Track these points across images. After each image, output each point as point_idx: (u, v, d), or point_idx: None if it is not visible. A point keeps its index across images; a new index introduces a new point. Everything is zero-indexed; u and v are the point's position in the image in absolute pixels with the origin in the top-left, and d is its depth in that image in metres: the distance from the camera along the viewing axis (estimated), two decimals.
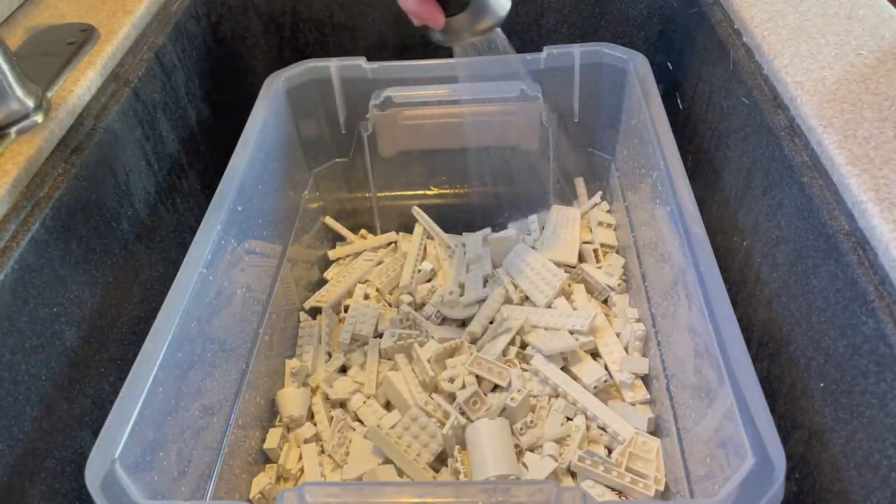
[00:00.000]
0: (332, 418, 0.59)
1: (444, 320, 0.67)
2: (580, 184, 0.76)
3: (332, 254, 0.76)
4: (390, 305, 0.70)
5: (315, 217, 0.75)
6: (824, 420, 0.42)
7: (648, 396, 0.58)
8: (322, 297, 0.70)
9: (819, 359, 0.43)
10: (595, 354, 0.61)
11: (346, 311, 0.69)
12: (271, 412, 0.61)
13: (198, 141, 0.71)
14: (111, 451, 0.38)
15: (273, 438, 0.57)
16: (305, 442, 0.58)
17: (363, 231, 0.79)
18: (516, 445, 0.55)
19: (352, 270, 0.73)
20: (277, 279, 0.64)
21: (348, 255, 0.76)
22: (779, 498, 0.34)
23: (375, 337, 0.66)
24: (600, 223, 0.72)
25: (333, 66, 0.68)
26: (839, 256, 0.41)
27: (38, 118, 0.50)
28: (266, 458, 0.58)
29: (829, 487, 0.41)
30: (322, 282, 0.74)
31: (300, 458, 0.58)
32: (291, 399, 0.60)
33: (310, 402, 0.61)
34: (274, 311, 0.62)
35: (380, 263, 0.74)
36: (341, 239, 0.78)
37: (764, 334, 0.51)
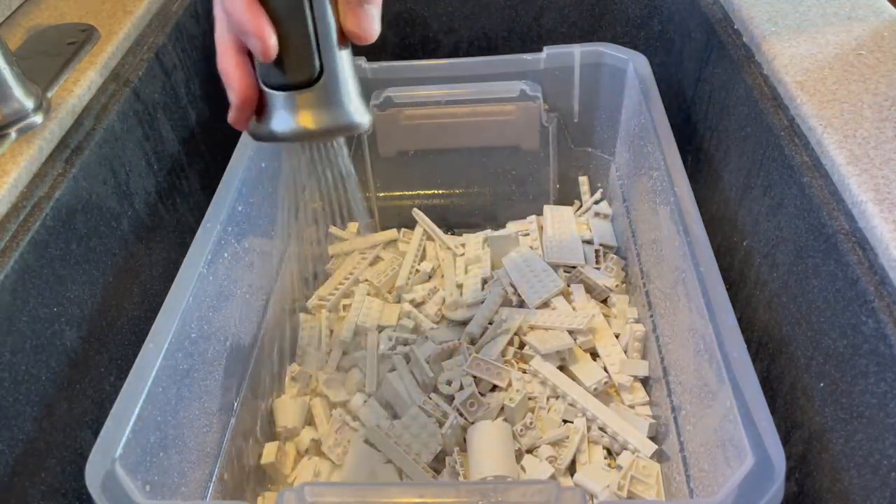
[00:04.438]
0: (330, 416, 0.59)
1: (443, 321, 0.67)
2: (584, 182, 0.76)
3: (331, 251, 0.76)
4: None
5: (315, 217, 0.75)
6: (824, 420, 0.42)
7: (647, 399, 0.57)
8: (322, 294, 0.70)
9: (819, 359, 0.43)
10: (594, 355, 0.61)
11: (345, 310, 0.69)
12: (271, 413, 0.61)
13: (198, 141, 0.71)
14: (111, 451, 0.38)
15: (270, 452, 0.56)
16: (305, 453, 0.58)
17: (358, 227, 0.79)
18: (516, 448, 0.55)
19: (352, 269, 0.73)
20: (277, 279, 0.64)
21: (348, 253, 0.76)
22: (779, 498, 0.34)
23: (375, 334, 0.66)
24: (597, 214, 0.72)
25: None
26: (839, 256, 0.41)
27: (38, 118, 0.50)
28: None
29: (829, 487, 0.41)
30: (322, 280, 0.74)
31: (295, 464, 0.58)
32: (289, 410, 0.60)
33: (307, 409, 0.61)
34: (274, 311, 0.62)
35: (376, 262, 0.74)
36: (342, 238, 0.78)
37: (764, 334, 0.51)
